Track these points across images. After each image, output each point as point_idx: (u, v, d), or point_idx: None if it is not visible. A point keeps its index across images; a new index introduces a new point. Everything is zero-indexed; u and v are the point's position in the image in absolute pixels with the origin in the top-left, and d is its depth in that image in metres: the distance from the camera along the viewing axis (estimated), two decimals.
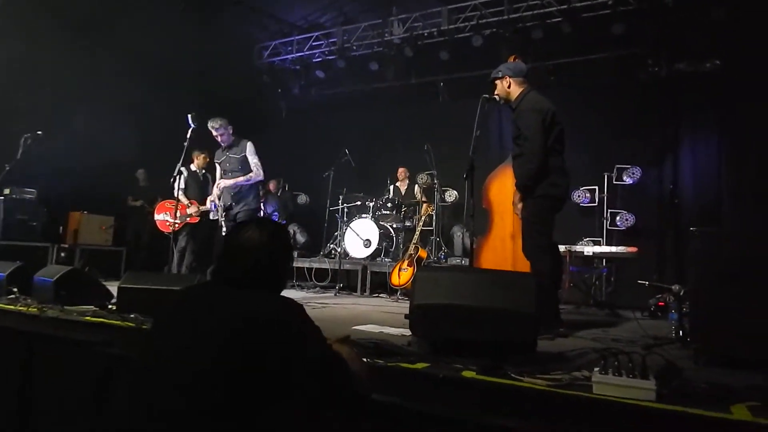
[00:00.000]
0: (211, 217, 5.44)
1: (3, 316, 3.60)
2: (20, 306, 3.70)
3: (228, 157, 5.31)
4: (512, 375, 2.05)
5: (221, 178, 5.39)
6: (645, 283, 3.96)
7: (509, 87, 3.58)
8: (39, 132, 5.72)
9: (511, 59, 3.94)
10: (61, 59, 6.57)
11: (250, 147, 5.29)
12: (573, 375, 2.02)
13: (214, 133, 5.22)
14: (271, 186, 8.54)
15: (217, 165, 5.48)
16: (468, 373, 2.10)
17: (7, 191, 6.00)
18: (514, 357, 2.26)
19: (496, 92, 3.66)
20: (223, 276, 1.59)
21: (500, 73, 3.62)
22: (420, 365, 2.24)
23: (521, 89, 3.57)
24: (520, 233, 3.53)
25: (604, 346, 2.65)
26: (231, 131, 5.29)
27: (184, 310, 1.53)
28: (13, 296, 4.02)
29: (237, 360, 1.33)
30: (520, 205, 3.50)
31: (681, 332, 2.93)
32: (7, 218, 6.00)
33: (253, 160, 5.26)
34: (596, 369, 1.90)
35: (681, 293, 2.98)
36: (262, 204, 7.66)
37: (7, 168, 5.60)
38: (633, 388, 1.78)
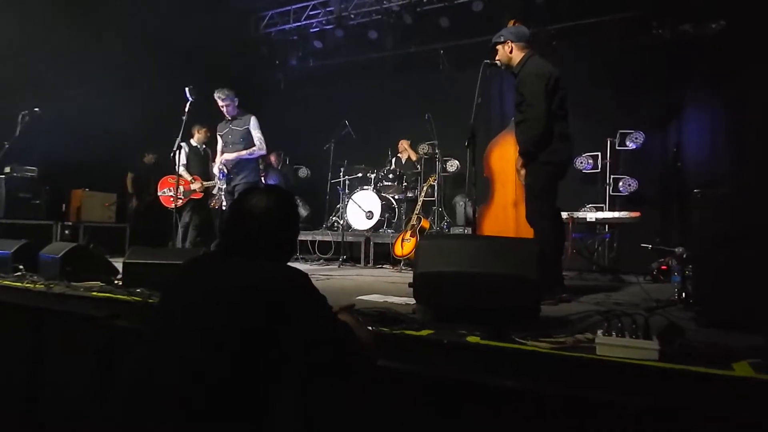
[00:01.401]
0: (217, 185, 5.41)
1: (11, 293, 3.63)
2: (27, 283, 3.73)
3: (231, 129, 5.30)
4: (516, 339, 2.07)
5: (222, 150, 5.38)
6: (648, 247, 3.97)
7: (511, 52, 3.51)
8: (36, 109, 5.67)
9: (511, 23, 3.85)
10: (56, 33, 6.46)
11: (254, 121, 5.27)
12: (576, 338, 2.04)
13: (221, 103, 5.18)
14: (273, 159, 8.49)
15: (218, 137, 5.46)
16: (472, 339, 2.13)
17: (7, 170, 6.00)
18: (517, 322, 2.28)
19: (497, 57, 3.59)
20: (228, 243, 1.59)
21: (502, 37, 3.54)
22: (424, 332, 2.26)
23: (523, 54, 3.50)
24: (523, 200, 3.52)
25: (607, 309, 2.67)
26: (236, 103, 5.26)
27: (191, 279, 1.54)
28: (19, 273, 4.06)
29: (244, 328, 1.34)
30: (523, 172, 3.48)
31: (683, 294, 2.94)
32: (10, 196, 6.01)
33: (256, 134, 5.26)
34: (599, 331, 1.92)
35: (684, 256, 2.98)
36: (262, 178, 7.65)
37: (7, 146, 5.57)
38: (636, 349, 1.80)
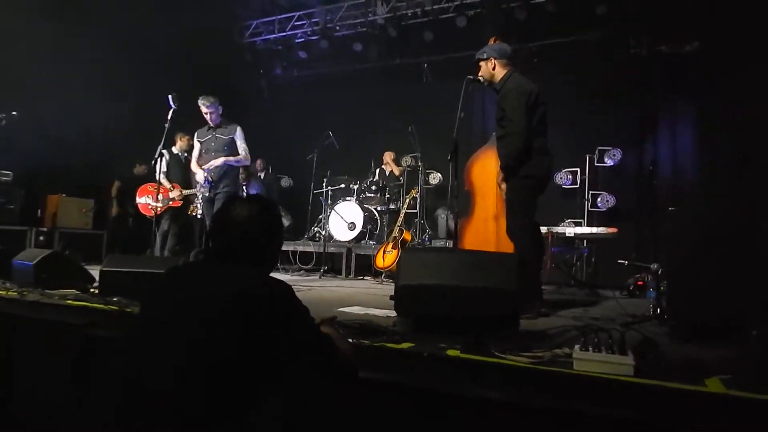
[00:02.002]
0: (198, 194, 5.34)
1: None
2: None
3: (214, 137, 5.22)
4: (495, 353, 2.09)
5: (201, 156, 5.30)
6: (624, 263, 4.05)
7: (494, 68, 3.58)
8: (14, 113, 5.57)
9: (492, 41, 3.93)
10: (35, 38, 6.37)
11: (239, 131, 5.24)
12: (554, 352, 2.07)
13: (205, 110, 5.11)
14: (257, 165, 8.43)
15: (197, 143, 5.35)
16: (452, 352, 2.14)
17: None
18: (497, 335, 2.30)
19: (480, 73, 3.66)
20: (212, 251, 1.59)
21: (485, 54, 3.62)
22: (405, 345, 2.27)
23: (505, 71, 3.58)
24: (503, 214, 3.57)
25: (584, 323, 2.71)
26: (221, 111, 5.22)
27: (173, 287, 1.53)
28: None
29: (227, 333, 1.34)
30: (504, 186, 3.54)
31: (658, 309, 3.01)
32: None
33: (242, 144, 5.22)
34: (577, 346, 1.95)
35: (659, 271, 3.05)
36: (244, 187, 7.60)
37: None
38: (612, 364, 1.84)
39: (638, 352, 1.90)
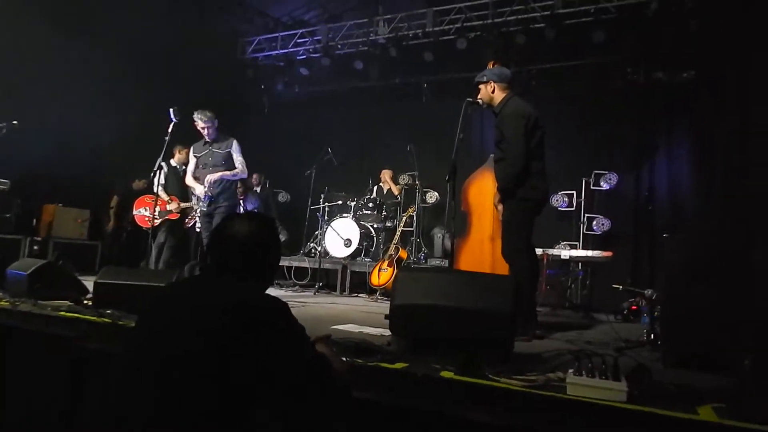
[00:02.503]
0: (196, 207, 5.36)
1: None
2: None
3: (211, 151, 5.26)
4: (489, 375, 2.09)
5: (196, 170, 5.31)
6: (619, 287, 4.06)
7: (493, 92, 3.64)
8: (14, 122, 5.58)
9: (491, 65, 4.00)
10: (38, 48, 6.43)
11: (236, 145, 5.28)
12: (548, 376, 2.07)
13: (201, 125, 5.15)
14: (254, 179, 8.45)
15: (193, 158, 5.38)
16: (446, 374, 2.14)
17: None
18: (491, 357, 2.30)
19: (480, 96, 3.72)
20: (209, 265, 1.60)
21: (485, 77, 3.67)
22: (399, 365, 2.27)
23: (504, 94, 3.63)
24: (499, 235, 3.59)
25: (579, 348, 2.71)
26: (216, 126, 5.26)
27: (171, 300, 1.54)
28: None
29: (223, 346, 1.35)
30: (500, 207, 3.57)
31: (652, 335, 3.02)
32: None
33: (238, 158, 5.26)
34: (570, 370, 1.95)
35: (653, 297, 3.07)
36: (241, 201, 7.62)
37: None
38: (605, 389, 1.84)
39: (632, 378, 1.91)
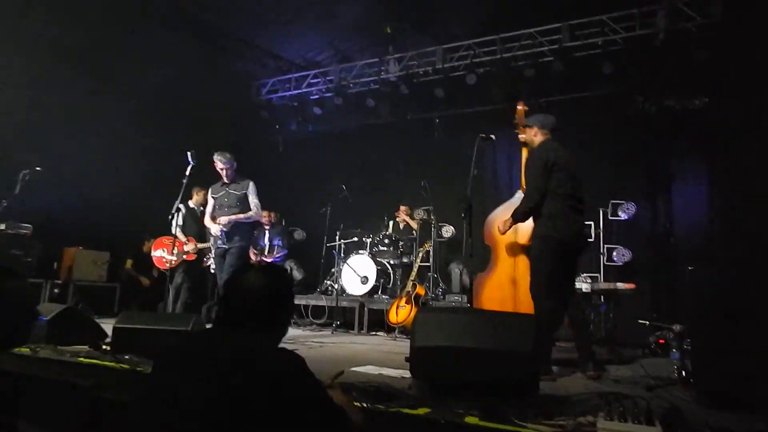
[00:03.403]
0: (212, 248, 5.41)
1: None
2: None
3: (227, 193, 5.32)
4: (516, 421, 2.02)
5: (214, 212, 5.37)
6: (645, 323, 3.95)
7: (535, 135, 3.90)
8: (38, 168, 5.73)
9: (520, 105, 4.40)
10: (60, 96, 6.65)
11: (252, 187, 5.34)
12: (578, 421, 1.99)
13: (220, 165, 5.23)
14: (269, 217, 8.46)
15: (211, 199, 5.45)
16: (471, 419, 2.07)
17: (2, 226, 5.96)
18: (516, 400, 2.23)
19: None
20: (225, 319, 1.59)
21: (530, 122, 3.95)
22: (421, 410, 2.20)
23: (543, 138, 3.86)
24: (527, 273, 3.69)
25: (608, 388, 2.62)
26: (235, 167, 5.33)
27: (186, 357, 1.52)
28: None
29: (236, 406, 1.32)
30: (502, 230, 3.84)
31: (683, 372, 2.90)
32: (2, 253, 5.94)
33: (253, 200, 5.31)
34: (601, 414, 1.88)
35: (682, 333, 2.97)
36: (267, 234, 7.70)
37: (5, 203, 5.58)
38: None
39: (666, 422, 1.82)
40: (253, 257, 7.74)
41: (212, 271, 5.87)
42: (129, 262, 7.49)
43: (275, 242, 7.98)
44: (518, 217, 3.73)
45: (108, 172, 6.84)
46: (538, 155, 3.70)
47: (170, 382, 1.46)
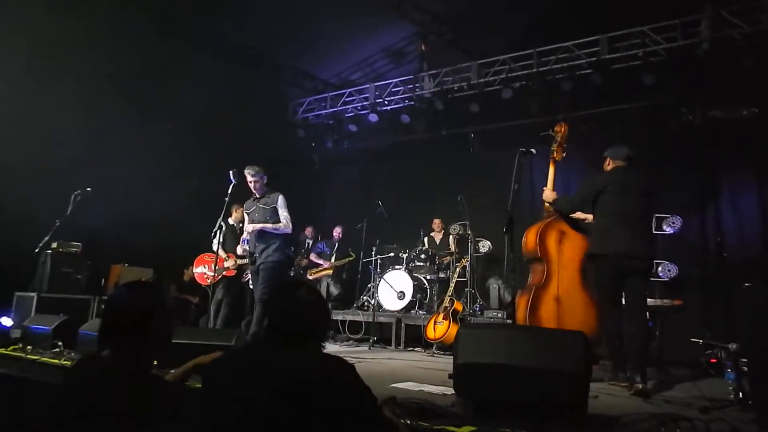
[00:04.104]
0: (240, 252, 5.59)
1: (48, 370, 3.66)
2: (64, 360, 3.78)
3: (258, 207, 5.34)
4: None
5: (248, 226, 5.42)
6: (699, 341, 3.80)
7: (608, 165, 4.15)
8: (88, 189, 5.98)
9: (561, 127, 4.60)
10: (109, 120, 6.98)
11: (281, 200, 5.33)
12: None
13: (250, 179, 5.26)
14: (308, 233, 8.59)
15: (245, 215, 5.53)
16: None
17: (54, 245, 6.23)
18: (564, 419, 2.17)
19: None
20: (278, 336, 1.60)
21: (606, 154, 4.22)
22: (466, 429, 2.17)
23: (612, 166, 4.11)
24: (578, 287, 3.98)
25: (659, 409, 2.52)
26: (265, 181, 5.37)
27: (236, 372, 1.54)
28: (57, 350, 4.11)
29: (292, 421, 1.33)
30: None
31: (740, 394, 2.76)
32: (54, 271, 6.19)
33: (283, 213, 5.29)
34: None
35: (737, 352, 2.83)
36: (320, 244, 8.17)
37: (58, 224, 5.83)
38: None
39: None
40: (316, 260, 8.08)
41: (250, 286, 5.96)
42: (173, 288, 7.74)
43: (320, 247, 8.19)
44: (554, 205, 4.23)
45: (152, 193, 7.08)
46: (592, 179, 4.05)
47: (224, 399, 1.49)
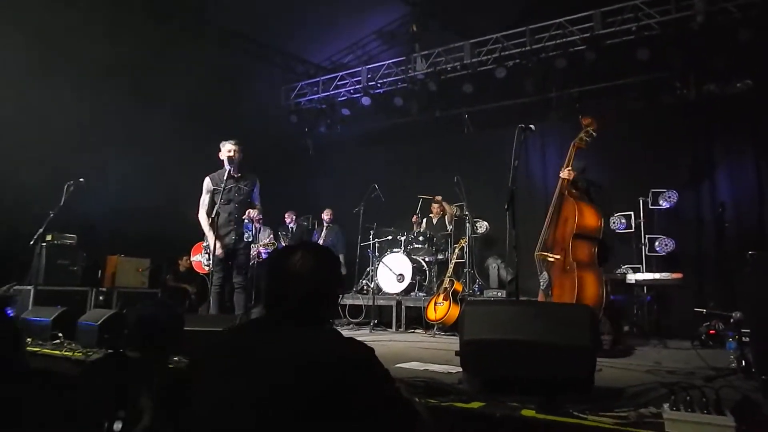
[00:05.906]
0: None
1: (49, 361, 3.64)
2: (65, 351, 3.76)
3: (239, 187, 5.04)
4: (575, 413, 1.97)
5: (226, 204, 4.99)
6: (702, 311, 3.81)
7: None
8: (81, 179, 5.89)
9: (588, 120, 4.43)
10: (101, 109, 6.87)
11: (258, 186, 5.15)
12: (640, 412, 1.93)
13: (233, 148, 4.96)
14: (288, 217, 8.48)
15: (217, 190, 4.97)
16: (527, 412, 2.03)
17: (49, 237, 6.16)
18: (572, 393, 2.17)
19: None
20: (278, 309, 1.50)
21: None
22: (475, 404, 2.17)
23: None
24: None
25: (664, 379, 2.53)
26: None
27: (240, 350, 1.46)
28: (58, 341, 4.09)
29: (302, 401, 1.29)
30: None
31: (743, 362, 2.79)
32: (49, 263, 6.14)
33: (258, 199, 5.12)
34: (665, 405, 1.81)
35: (740, 321, 2.85)
36: (322, 237, 8.15)
37: (51, 215, 5.76)
38: (709, 425, 1.69)
39: (738, 412, 1.75)
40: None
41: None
42: (169, 278, 7.70)
43: (329, 240, 8.08)
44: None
45: (146, 183, 7.01)
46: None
47: (226, 378, 1.43)
